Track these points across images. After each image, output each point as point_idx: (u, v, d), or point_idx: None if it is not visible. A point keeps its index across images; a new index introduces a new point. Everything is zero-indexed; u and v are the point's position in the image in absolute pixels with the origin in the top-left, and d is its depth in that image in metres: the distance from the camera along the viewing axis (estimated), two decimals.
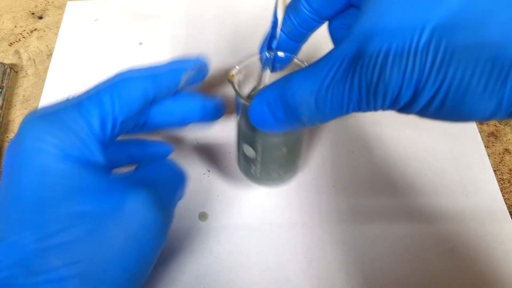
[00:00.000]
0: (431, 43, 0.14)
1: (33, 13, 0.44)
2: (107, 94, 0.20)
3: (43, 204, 0.17)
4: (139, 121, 0.24)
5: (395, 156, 0.33)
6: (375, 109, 0.15)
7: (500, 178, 0.32)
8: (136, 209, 0.18)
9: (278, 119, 0.18)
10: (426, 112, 0.15)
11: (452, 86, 0.14)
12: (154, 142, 0.27)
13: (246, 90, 0.24)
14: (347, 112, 0.16)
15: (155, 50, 0.40)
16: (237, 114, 0.25)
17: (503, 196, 0.31)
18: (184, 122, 0.26)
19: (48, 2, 0.45)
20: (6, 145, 0.35)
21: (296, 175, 0.30)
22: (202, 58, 0.24)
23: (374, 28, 0.15)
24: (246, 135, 0.25)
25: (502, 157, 0.33)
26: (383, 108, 0.15)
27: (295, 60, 0.22)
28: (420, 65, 0.14)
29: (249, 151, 0.25)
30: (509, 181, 0.32)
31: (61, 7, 0.44)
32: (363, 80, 0.15)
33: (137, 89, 0.21)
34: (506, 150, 0.34)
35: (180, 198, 0.23)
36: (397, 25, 0.14)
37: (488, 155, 0.33)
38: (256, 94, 0.18)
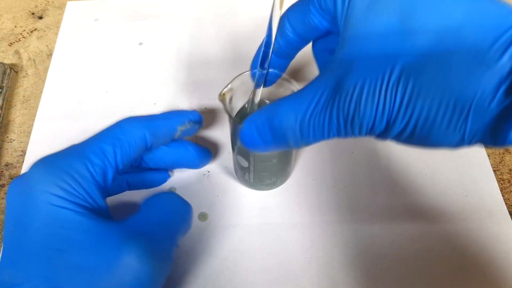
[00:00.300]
0: (400, 82, 0.15)
1: (33, 13, 0.44)
2: (110, 145, 0.22)
3: (50, 255, 0.19)
4: (134, 163, 0.27)
5: (395, 156, 0.33)
6: (354, 136, 0.17)
7: (500, 178, 0.32)
8: (131, 263, 0.19)
9: (266, 142, 0.19)
10: (399, 139, 0.17)
11: (419, 121, 0.15)
12: (152, 170, 0.29)
13: (239, 103, 0.26)
14: (329, 138, 0.18)
15: (155, 50, 0.40)
16: (230, 128, 0.26)
17: (503, 196, 0.31)
18: (174, 166, 0.30)
19: (48, 2, 0.45)
20: (6, 145, 0.35)
21: (287, 180, 0.32)
22: (197, 113, 0.27)
23: (350, 66, 0.16)
24: (239, 148, 0.27)
25: (502, 157, 0.33)
26: (361, 135, 0.17)
27: (284, 76, 0.24)
28: (390, 102, 0.15)
29: (242, 161, 0.27)
30: (509, 181, 0.32)
31: (61, 7, 0.44)
32: (341, 113, 0.16)
33: (137, 139, 0.23)
34: (506, 150, 0.34)
35: (185, 233, 0.24)
36: (370, 63, 0.16)
37: (488, 155, 0.33)
38: (246, 119, 0.20)
